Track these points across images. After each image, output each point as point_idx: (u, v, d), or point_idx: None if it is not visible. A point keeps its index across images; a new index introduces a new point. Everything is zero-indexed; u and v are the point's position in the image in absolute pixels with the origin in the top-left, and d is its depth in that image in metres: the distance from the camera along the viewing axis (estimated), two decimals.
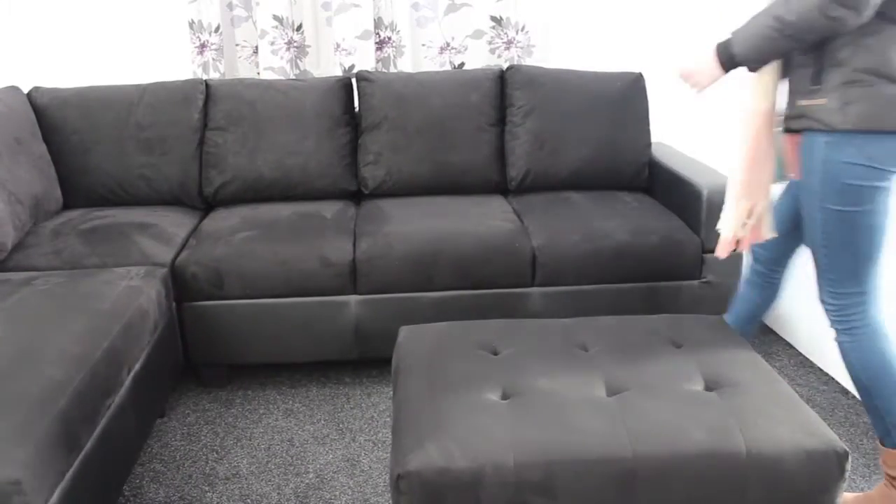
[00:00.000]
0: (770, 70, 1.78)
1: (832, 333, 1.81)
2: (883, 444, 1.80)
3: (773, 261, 2.02)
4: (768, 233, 1.91)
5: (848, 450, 1.41)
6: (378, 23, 3.23)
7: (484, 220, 2.57)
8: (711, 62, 1.79)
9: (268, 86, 2.89)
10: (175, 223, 2.62)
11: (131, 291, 2.10)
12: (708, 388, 1.58)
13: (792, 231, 1.96)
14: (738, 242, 1.92)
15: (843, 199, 1.66)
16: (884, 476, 1.83)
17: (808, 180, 1.73)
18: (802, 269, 2.67)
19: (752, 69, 1.76)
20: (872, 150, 1.60)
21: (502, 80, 2.95)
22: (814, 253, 1.78)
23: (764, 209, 1.88)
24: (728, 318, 2.13)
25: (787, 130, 1.78)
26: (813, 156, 1.69)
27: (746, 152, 1.84)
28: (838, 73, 1.61)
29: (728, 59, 1.76)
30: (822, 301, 1.80)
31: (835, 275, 1.74)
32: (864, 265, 1.71)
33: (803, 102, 1.69)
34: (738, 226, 1.89)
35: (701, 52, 1.81)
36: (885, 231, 1.69)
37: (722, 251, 1.93)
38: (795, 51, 1.69)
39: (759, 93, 1.81)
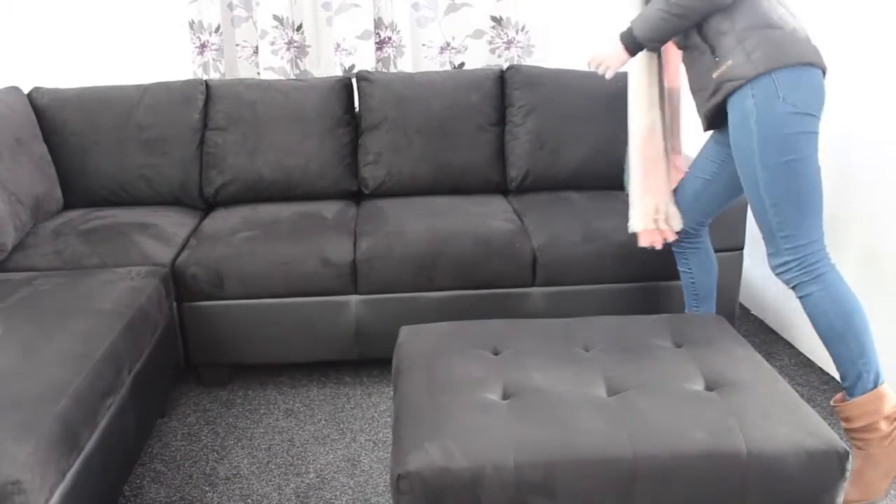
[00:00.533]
0: (643, 93, 2.12)
1: (798, 292, 1.89)
2: (851, 395, 1.86)
3: (692, 222, 2.18)
4: (678, 225, 2.16)
5: (848, 449, 1.41)
6: (378, 23, 3.23)
7: (484, 220, 2.57)
8: (618, 49, 2.05)
9: (268, 86, 2.89)
10: (175, 223, 2.62)
11: (132, 291, 2.10)
12: (708, 387, 1.58)
13: (704, 188, 2.13)
14: (661, 234, 2.17)
15: (782, 151, 1.81)
16: (848, 438, 1.89)
17: (744, 144, 1.87)
18: None
19: (652, 49, 2.05)
20: (793, 97, 1.79)
21: (502, 80, 2.95)
22: (762, 217, 1.89)
23: (668, 205, 2.15)
24: (688, 309, 2.28)
25: (713, 112, 1.96)
26: (745, 119, 1.85)
27: (639, 161, 2.14)
28: (730, 38, 1.85)
29: (631, 42, 2.02)
30: (779, 265, 1.89)
31: (789, 230, 1.85)
32: (811, 213, 1.84)
33: (715, 75, 1.90)
34: (650, 220, 2.14)
35: (607, 44, 2.09)
36: (820, 175, 1.84)
37: (644, 242, 2.20)
38: (682, 34, 1.96)
39: (636, 113, 2.14)
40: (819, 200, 1.84)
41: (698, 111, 2.03)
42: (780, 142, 1.81)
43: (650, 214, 2.15)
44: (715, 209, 2.17)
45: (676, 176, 2.21)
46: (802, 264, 1.85)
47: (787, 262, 1.87)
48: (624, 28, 2.04)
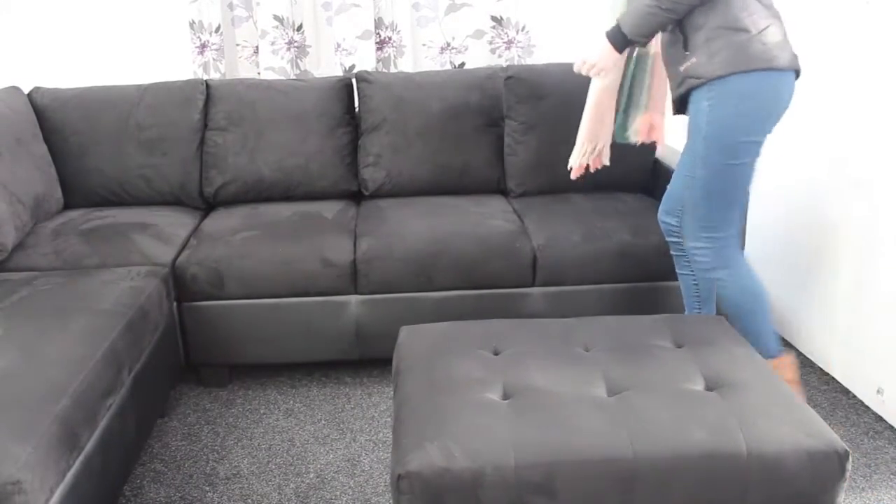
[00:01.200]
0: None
1: (707, 274, 2.08)
2: (772, 356, 2.09)
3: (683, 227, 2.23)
4: (606, 160, 2.32)
5: (849, 449, 1.41)
6: (378, 23, 3.23)
7: (484, 220, 2.57)
8: (606, 48, 2.09)
9: (268, 86, 2.89)
10: (175, 223, 2.62)
11: (132, 291, 2.10)
12: (708, 387, 1.58)
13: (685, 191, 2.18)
14: (586, 169, 2.34)
15: (725, 155, 1.94)
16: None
17: (693, 139, 2.00)
18: (802, 269, 2.67)
19: (643, 44, 2.10)
20: (747, 104, 1.89)
21: (502, 80, 2.94)
22: (690, 203, 2.07)
23: (604, 145, 2.30)
24: (690, 311, 2.28)
25: (679, 100, 2.04)
26: (698, 116, 1.96)
27: (589, 112, 2.23)
28: (701, 34, 1.92)
29: (620, 40, 2.06)
30: (695, 248, 2.07)
31: (711, 223, 2.02)
32: (735, 210, 2.01)
33: (681, 68, 1.98)
34: (585, 158, 2.30)
35: (594, 45, 2.13)
36: (751, 178, 2.01)
37: (574, 175, 2.35)
38: (668, 27, 2.01)
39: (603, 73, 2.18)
40: (743, 199, 2.03)
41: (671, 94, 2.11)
42: (725, 146, 1.93)
43: (587, 154, 2.29)
44: (737, 204, 2.16)
45: (653, 134, 2.31)
46: (718, 252, 2.04)
47: (702, 248, 2.07)
48: (609, 26, 2.07)
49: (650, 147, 2.56)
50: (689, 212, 2.08)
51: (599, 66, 2.11)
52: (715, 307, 2.30)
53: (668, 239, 2.28)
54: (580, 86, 2.81)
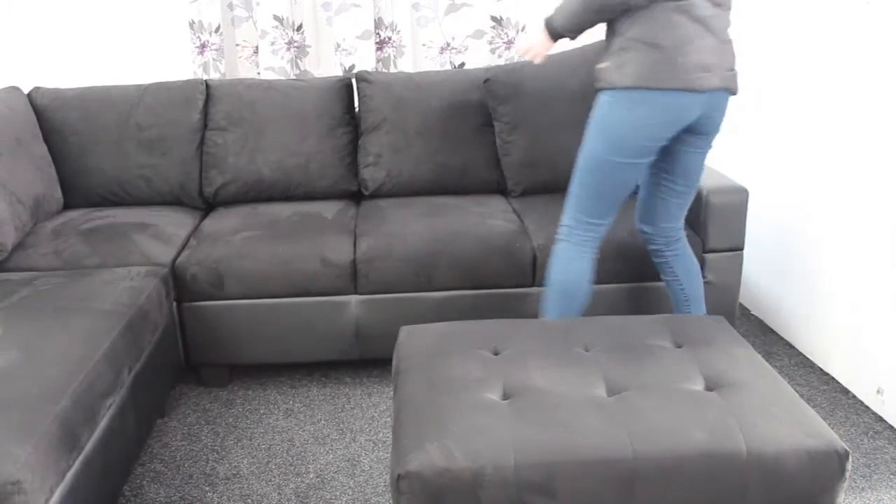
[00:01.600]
0: None
1: (554, 247, 2.16)
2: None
3: (662, 232, 2.26)
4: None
5: (849, 450, 1.41)
6: (378, 23, 3.23)
7: (484, 220, 2.57)
8: (543, 36, 2.13)
9: (268, 86, 2.89)
10: (175, 223, 2.62)
11: (132, 292, 2.10)
12: (708, 387, 1.58)
13: (652, 198, 2.23)
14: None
15: (609, 152, 2.00)
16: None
17: (588, 128, 2.06)
18: (802, 270, 2.67)
19: (571, 38, 2.11)
20: (641, 116, 1.94)
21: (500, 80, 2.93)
22: (573, 186, 2.12)
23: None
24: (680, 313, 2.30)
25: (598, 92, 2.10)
26: (598, 109, 2.03)
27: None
28: (618, 41, 1.97)
29: (553, 31, 2.10)
30: (561, 224, 2.15)
31: (580, 206, 2.10)
32: (604, 205, 2.08)
33: (597, 66, 2.05)
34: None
35: (534, 30, 2.14)
36: (632, 188, 2.07)
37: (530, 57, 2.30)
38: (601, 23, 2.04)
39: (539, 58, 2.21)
40: (617, 200, 2.07)
41: None
42: (611, 142, 1.99)
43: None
44: (673, 209, 2.22)
45: None
46: (577, 234, 2.12)
47: (567, 226, 2.14)
48: (549, 13, 2.12)
49: None
50: (570, 191, 2.14)
51: (534, 51, 2.15)
52: (704, 307, 2.30)
53: (648, 247, 2.31)
54: (558, 78, 2.83)
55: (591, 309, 2.51)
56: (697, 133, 2.07)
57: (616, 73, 1.96)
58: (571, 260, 2.13)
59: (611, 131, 1.99)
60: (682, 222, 2.26)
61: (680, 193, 2.19)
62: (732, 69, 2.01)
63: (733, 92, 2.02)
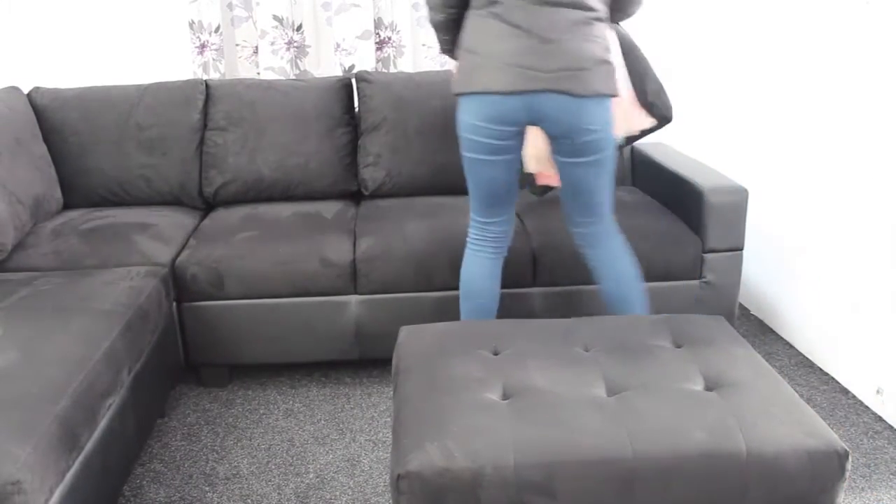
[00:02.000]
0: None
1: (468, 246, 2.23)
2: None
3: (576, 235, 2.21)
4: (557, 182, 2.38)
5: (848, 450, 1.41)
6: (378, 23, 3.23)
7: None
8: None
9: (268, 86, 2.89)
10: (175, 223, 2.62)
11: (131, 292, 2.10)
12: (708, 387, 1.58)
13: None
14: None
15: (462, 146, 2.07)
16: None
17: None
18: (802, 270, 2.67)
19: (451, 57, 2.20)
20: (463, 115, 2.01)
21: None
22: None
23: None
24: (623, 314, 2.19)
25: None
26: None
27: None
28: (457, 51, 2.09)
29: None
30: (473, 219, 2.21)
31: (473, 209, 2.18)
32: (488, 204, 2.13)
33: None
34: (531, 166, 2.41)
35: None
36: (500, 185, 2.09)
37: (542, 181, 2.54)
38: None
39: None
40: (489, 197, 2.12)
41: None
42: (462, 142, 2.06)
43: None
44: (572, 214, 2.15)
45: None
46: (470, 233, 2.20)
47: (469, 227, 2.25)
48: None
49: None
50: None
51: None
52: (641, 308, 2.18)
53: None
54: None
55: (591, 309, 2.51)
56: (553, 137, 1.99)
57: (454, 78, 2.05)
58: (468, 262, 2.20)
59: (459, 130, 2.07)
60: (597, 227, 2.14)
61: (566, 203, 2.14)
62: (568, 69, 1.89)
63: (569, 93, 1.90)
